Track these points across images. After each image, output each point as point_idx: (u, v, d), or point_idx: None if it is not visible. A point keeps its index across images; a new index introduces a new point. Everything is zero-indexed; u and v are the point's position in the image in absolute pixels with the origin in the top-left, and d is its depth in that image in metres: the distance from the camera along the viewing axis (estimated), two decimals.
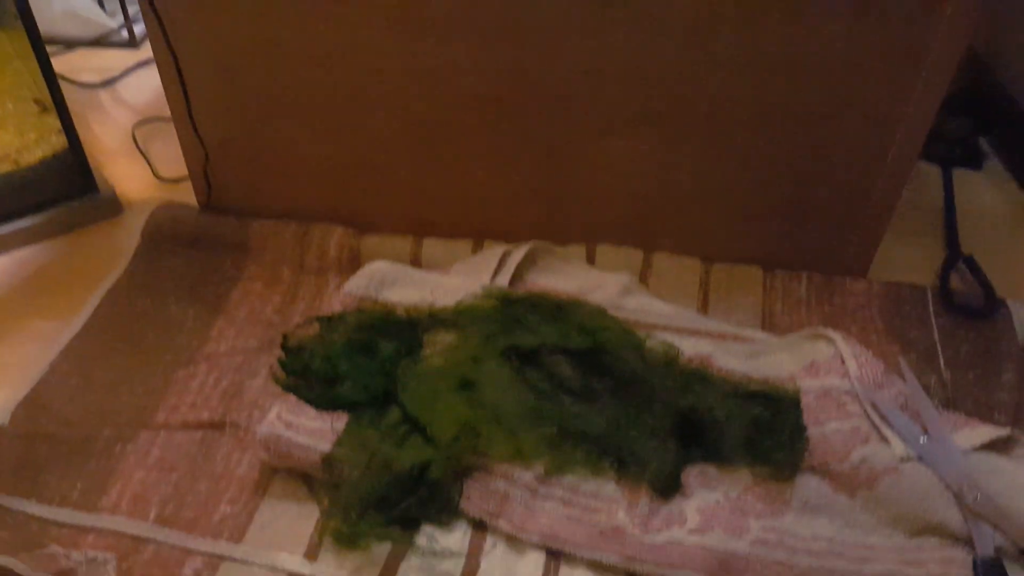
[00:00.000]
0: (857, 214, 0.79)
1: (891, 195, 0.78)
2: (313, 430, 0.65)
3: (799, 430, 0.65)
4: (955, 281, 0.83)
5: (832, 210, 0.79)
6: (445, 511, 0.63)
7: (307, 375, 0.70)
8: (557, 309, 0.75)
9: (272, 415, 0.65)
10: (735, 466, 0.65)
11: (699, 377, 0.69)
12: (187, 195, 0.92)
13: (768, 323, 0.79)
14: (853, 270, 0.83)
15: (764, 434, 0.65)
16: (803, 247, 0.82)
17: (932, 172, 1.00)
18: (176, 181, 0.98)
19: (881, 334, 0.78)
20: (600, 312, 0.75)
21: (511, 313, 0.74)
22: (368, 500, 0.61)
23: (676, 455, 0.65)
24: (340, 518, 0.61)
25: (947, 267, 0.85)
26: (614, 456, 0.65)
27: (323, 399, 0.67)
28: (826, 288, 0.82)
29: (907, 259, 0.86)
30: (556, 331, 0.72)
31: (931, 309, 0.80)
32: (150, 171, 1.01)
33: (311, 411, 0.66)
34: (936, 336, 0.78)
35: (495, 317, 0.73)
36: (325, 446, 0.64)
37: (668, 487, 0.64)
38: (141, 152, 1.04)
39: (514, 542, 0.62)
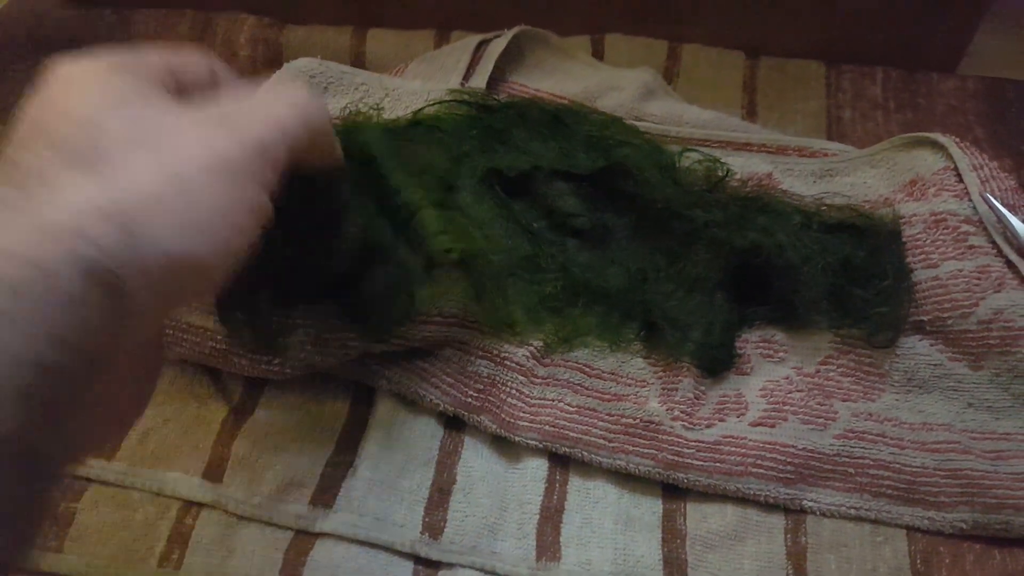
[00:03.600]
0: None
1: None
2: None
3: (902, 273, 0.46)
4: None
5: None
6: (393, 315, 0.43)
7: None
8: (554, 119, 0.53)
9: None
10: (810, 329, 0.46)
11: (758, 205, 0.49)
12: None
13: (835, 133, 0.60)
14: (939, 64, 0.63)
15: (854, 282, 0.46)
16: (876, 34, 0.62)
17: None
18: None
19: (982, 145, 0.59)
20: (615, 122, 0.54)
21: (491, 124, 0.52)
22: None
23: (729, 315, 0.46)
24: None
25: None
26: (641, 320, 0.46)
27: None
28: (907, 87, 0.62)
29: (1002, 51, 0.66)
30: (555, 148, 0.51)
31: None
32: None
33: None
34: None
35: (469, 130, 0.52)
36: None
37: (718, 360, 0.45)
38: None
39: (504, 445, 0.44)
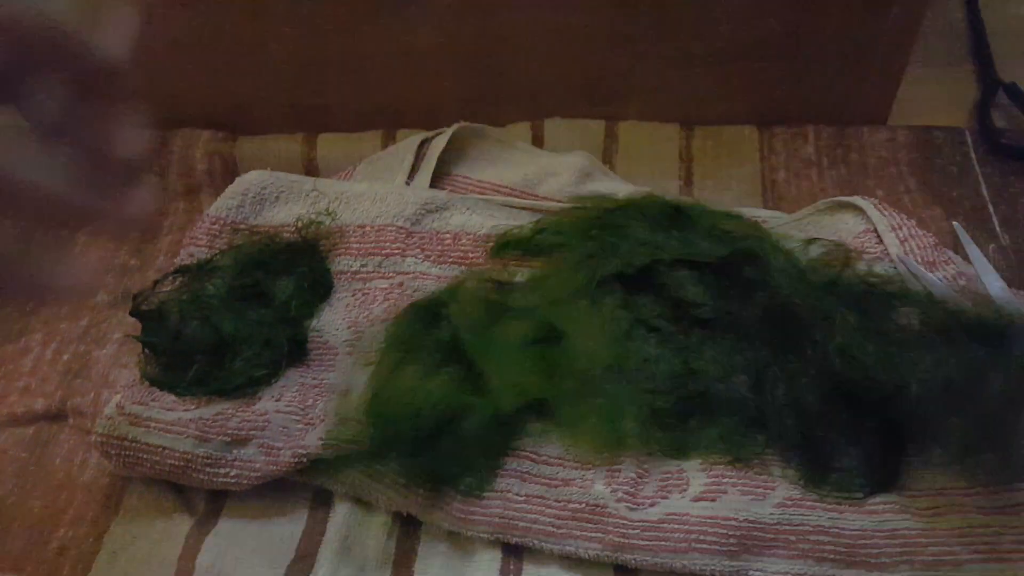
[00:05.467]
0: (872, 43, 0.61)
1: (914, 13, 0.60)
2: (170, 424, 0.47)
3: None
4: (996, 117, 0.65)
5: (840, 40, 0.61)
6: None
7: (178, 348, 0.51)
8: (675, 211, 0.53)
9: (111, 408, 0.47)
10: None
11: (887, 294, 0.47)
12: None
13: (770, 196, 0.62)
14: (870, 117, 0.66)
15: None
16: (806, 93, 0.65)
17: None
18: None
19: (914, 195, 0.61)
20: (734, 216, 0.53)
21: (611, 222, 0.53)
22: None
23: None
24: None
25: (984, 101, 0.67)
26: (773, 432, 0.46)
27: (207, 380, 0.49)
28: (839, 143, 0.64)
29: (932, 97, 0.68)
30: (676, 239, 0.51)
31: (973, 156, 0.63)
32: None
33: (167, 396, 0.48)
34: (984, 190, 0.61)
35: (589, 231, 0.53)
36: (185, 445, 0.46)
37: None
38: None
39: (458, 539, 0.46)
